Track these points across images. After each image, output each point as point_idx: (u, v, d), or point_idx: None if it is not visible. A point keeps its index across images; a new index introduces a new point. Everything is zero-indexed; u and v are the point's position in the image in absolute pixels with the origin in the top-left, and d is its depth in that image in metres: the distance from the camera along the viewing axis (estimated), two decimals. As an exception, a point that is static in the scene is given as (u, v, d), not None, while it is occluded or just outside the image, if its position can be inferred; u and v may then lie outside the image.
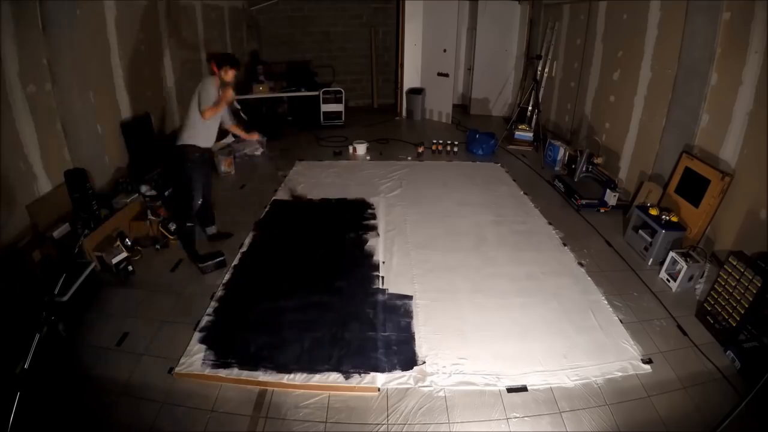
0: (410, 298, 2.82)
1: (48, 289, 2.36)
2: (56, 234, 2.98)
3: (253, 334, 2.50)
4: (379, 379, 2.21)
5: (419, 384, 2.18)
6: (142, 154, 4.28)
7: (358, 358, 2.32)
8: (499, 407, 2.07)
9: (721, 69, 3.13)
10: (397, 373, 2.24)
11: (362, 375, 2.22)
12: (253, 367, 2.25)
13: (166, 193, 4.05)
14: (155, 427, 1.97)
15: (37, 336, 1.92)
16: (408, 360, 2.32)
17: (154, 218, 3.48)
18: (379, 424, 2.00)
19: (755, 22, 2.83)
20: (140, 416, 2.02)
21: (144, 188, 3.91)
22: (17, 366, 1.88)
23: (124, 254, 3.03)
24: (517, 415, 2.04)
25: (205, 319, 2.62)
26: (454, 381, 2.20)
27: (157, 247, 3.40)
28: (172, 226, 3.51)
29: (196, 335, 2.49)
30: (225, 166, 4.94)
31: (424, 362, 2.31)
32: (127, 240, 3.23)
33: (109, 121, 3.91)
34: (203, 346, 2.41)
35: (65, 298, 2.53)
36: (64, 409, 2.05)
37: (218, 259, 3.15)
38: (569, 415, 2.04)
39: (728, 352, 2.38)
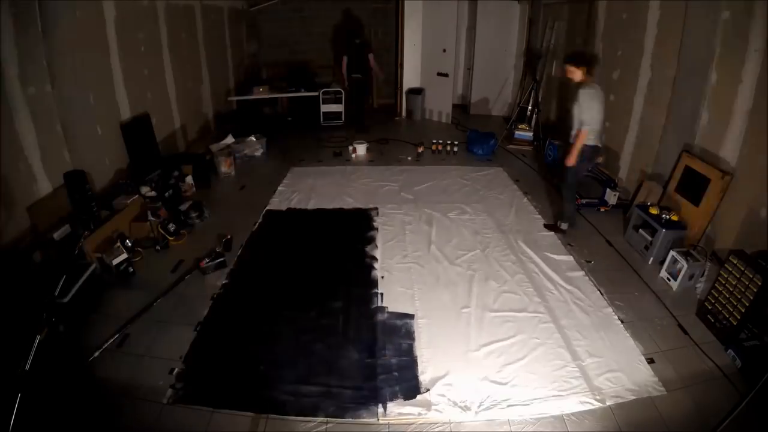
0: (411, 317, 2.67)
1: (48, 291, 2.36)
2: (56, 235, 2.97)
3: (244, 367, 2.32)
4: (379, 410, 2.07)
5: (422, 414, 2.05)
6: (142, 155, 4.29)
7: (356, 390, 2.17)
8: (506, 426, 2.02)
9: (721, 68, 3.13)
10: (399, 403, 2.10)
11: (360, 409, 2.08)
12: (245, 408, 2.07)
13: (167, 194, 4.05)
14: (156, 428, 1.97)
15: (38, 337, 1.92)
16: (410, 387, 2.18)
17: (154, 219, 3.48)
18: (380, 424, 2.01)
19: (755, 20, 2.83)
20: (141, 417, 2.02)
21: (144, 189, 3.91)
22: (18, 367, 1.88)
23: (125, 255, 3.03)
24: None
25: (191, 352, 2.41)
26: (459, 410, 2.06)
27: (158, 248, 3.40)
28: (172, 227, 3.51)
29: (178, 368, 2.29)
30: (225, 167, 4.94)
31: (428, 390, 2.17)
32: (127, 241, 3.23)
33: (108, 122, 3.91)
34: (184, 384, 2.19)
35: (66, 300, 2.53)
36: (64, 411, 2.04)
37: (218, 260, 3.15)
38: (570, 415, 2.04)
39: (729, 350, 2.38)
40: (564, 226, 3.64)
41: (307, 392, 2.17)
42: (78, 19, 3.43)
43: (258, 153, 5.61)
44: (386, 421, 2.03)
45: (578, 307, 2.75)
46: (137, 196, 3.72)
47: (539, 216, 3.96)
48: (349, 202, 4.24)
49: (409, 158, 5.49)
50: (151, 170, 4.22)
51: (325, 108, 6.98)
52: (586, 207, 4.09)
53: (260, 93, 6.56)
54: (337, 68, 6.58)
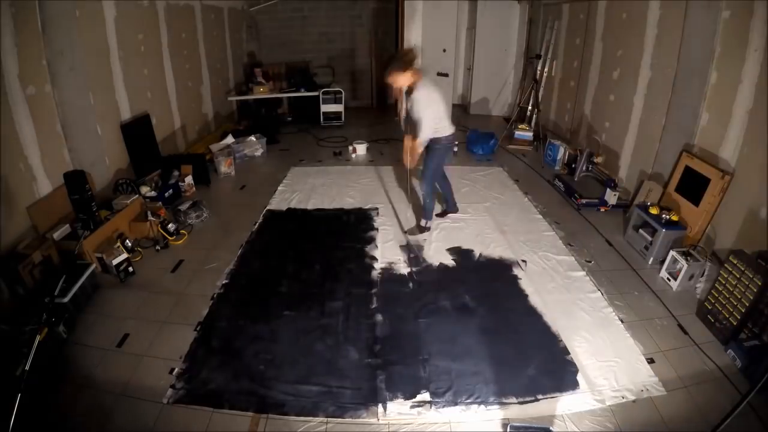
0: (412, 318, 2.67)
1: (48, 291, 2.36)
2: (56, 235, 2.98)
3: (244, 367, 2.31)
4: (379, 410, 2.07)
5: (422, 414, 2.06)
6: (142, 155, 4.29)
7: (356, 390, 2.17)
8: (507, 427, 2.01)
9: (721, 67, 3.13)
10: (399, 402, 2.10)
11: (360, 409, 2.07)
12: (243, 407, 2.08)
13: (167, 194, 4.06)
14: (156, 428, 1.97)
15: (38, 337, 1.92)
16: (410, 388, 2.18)
17: (154, 219, 3.48)
18: (380, 424, 2.01)
19: (755, 19, 2.83)
20: (141, 417, 2.02)
21: (144, 189, 3.92)
22: (18, 368, 1.88)
23: (125, 255, 3.03)
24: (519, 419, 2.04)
25: (191, 352, 2.40)
26: (460, 410, 2.06)
27: (158, 248, 3.40)
28: (172, 227, 3.51)
29: (178, 368, 2.29)
30: (225, 166, 4.94)
31: (428, 390, 2.17)
32: (127, 241, 3.23)
33: (108, 122, 3.92)
34: (184, 383, 2.20)
35: (65, 300, 2.53)
36: (64, 411, 2.05)
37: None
38: (570, 415, 2.05)
39: (729, 350, 2.38)
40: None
41: (307, 392, 2.16)
42: (78, 19, 3.43)
43: (258, 153, 5.61)
44: (386, 421, 2.03)
45: (578, 307, 2.75)
46: (137, 196, 3.72)
47: (540, 216, 3.95)
48: (349, 202, 4.24)
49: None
50: (151, 170, 4.23)
51: (325, 108, 6.98)
52: (586, 207, 4.09)
53: (260, 93, 6.56)
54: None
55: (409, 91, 3.11)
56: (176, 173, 4.35)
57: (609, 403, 2.10)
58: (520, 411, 2.07)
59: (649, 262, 3.23)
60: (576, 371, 2.27)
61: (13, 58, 2.84)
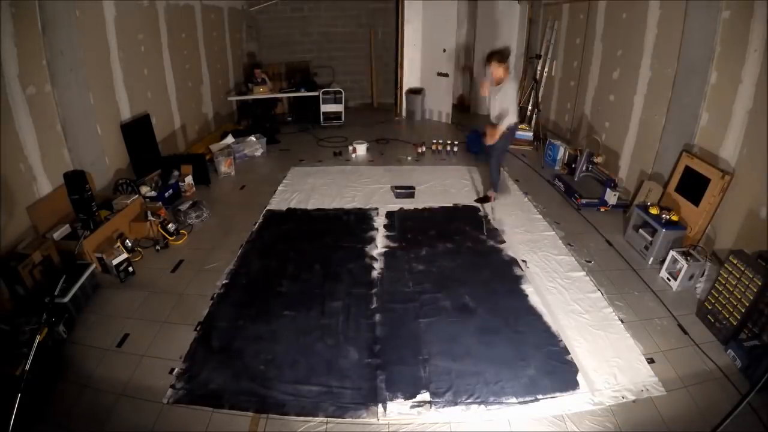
0: (412, 318, 2.67)
1: (48, 291, 2.37)
2: (56, 235, 2.98)
3: (244, 367, 2.30)
4: (379, 410, 2.07)
5: (422, 415, 2.06)
6: (142, 155, 4.29)
7: (356, 390, 2.17)
8: (506, 426, 2.03)
9: (721, 67, 3.13)
10: (399, 402, 2.10)
11: (360, 409, 2.07)
12: (243, 407, 2.08)
13: (167, 194, 4.06)
14: (156, 428, 1.97)
15: (38, 337, 1.92)
16: (410, 388, 2.18)
17: (154, 219, 3.48)
18: (380, 424, 2.01)
19: (755, 20, 2.83)
20: (141, 417, 2.02)
21: (144, 189, 3.92)
22: (18, 368, 1.88)
23: (125, 255, 3.04)
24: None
25: (192, 352, 2.40)
26: (460, 410, 2.07)
27: (158, 248, 3.40)
28: (172, 227, 3.51)
29: (178, 368, 2.29)
30: (225, 166, 4.94)
31: (428, 390, 2.19)
32: (127, 241, 3.23)
33: (108, 122, 3.92)
34: (184, 383, 2.19)
35: (65, 300, 2.53)
36: (64, 411, 2.04)
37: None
38: (570, 415, 2.05)
39: (729, 350, 2.38)
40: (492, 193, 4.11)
41: (307, 392, 2.16)
42: (78, 19, 3.43)
43: (258, 153, 5.61)
44: (386, 421, 2.03)
45: (578, 307, 2.75)
46: (137, 196, 3.72)
47: (540, 216, 3.96)
48: (349, 202, 4.24)
49: (410, 158, 5.49)
50: (151, 170, 4.23)
51: (325, 108, 6.99)
52: (586, 207, 4.09)
53: (260, 93, 6.56)
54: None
55: (499, 82, 3.70)
56: (176, 173, 4.36)
57: (609, 403, 2.10)
58: (520, 411, 2.07)
59: (649, 262, 3.23)
60: (576, 371, 2.27)
61: (13, 58, 2.84)
